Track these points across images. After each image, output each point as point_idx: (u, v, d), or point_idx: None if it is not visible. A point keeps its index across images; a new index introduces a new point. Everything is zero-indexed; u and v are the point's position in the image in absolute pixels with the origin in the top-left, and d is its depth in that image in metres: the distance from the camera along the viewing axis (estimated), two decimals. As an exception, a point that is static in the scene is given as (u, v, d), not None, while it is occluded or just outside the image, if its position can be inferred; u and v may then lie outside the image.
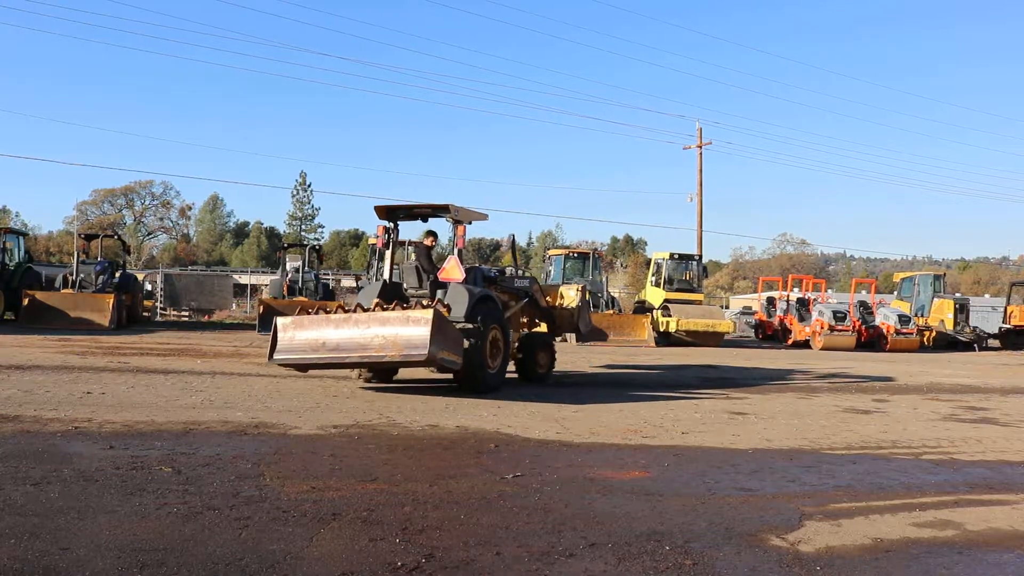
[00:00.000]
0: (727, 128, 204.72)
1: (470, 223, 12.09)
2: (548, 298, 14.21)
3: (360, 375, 11.95)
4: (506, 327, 11.96)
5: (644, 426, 8.81)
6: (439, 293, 11.48)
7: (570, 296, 14.36)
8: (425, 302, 10.93)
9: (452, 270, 11.57)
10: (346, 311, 10.62)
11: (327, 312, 10.79)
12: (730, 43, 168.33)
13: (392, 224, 12.26)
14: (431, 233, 12.54)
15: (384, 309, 10.28)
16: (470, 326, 10.74)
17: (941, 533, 5.01)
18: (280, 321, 10.75)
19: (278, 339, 10.60)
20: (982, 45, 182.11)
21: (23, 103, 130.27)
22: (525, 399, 10.74)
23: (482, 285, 12.17)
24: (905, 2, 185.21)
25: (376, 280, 12.83)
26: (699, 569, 4.14)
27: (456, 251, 11.77)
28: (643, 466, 6.68)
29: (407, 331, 9.80)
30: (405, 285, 12.21)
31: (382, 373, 11.92)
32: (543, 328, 14.37)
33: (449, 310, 10.53)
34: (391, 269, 12.39)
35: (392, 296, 11.57)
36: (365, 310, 10.45)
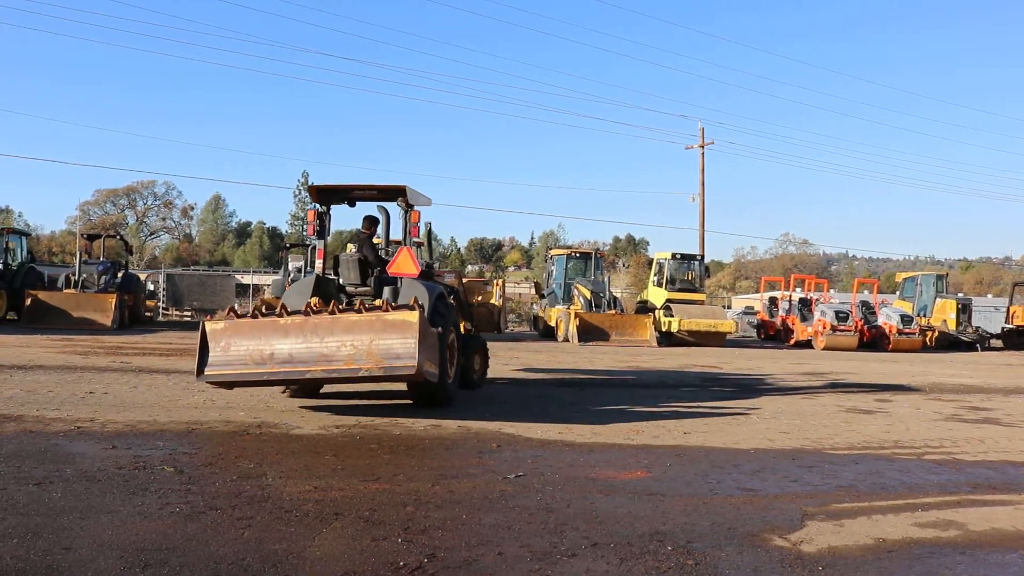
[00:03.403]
0: (729, 128, 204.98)
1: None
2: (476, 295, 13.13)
3: (284, 389, 9.98)
4: (458, 329, 10.66)
5: (646, 426, 8.80)
6: (386, 291, 9.93)
7: (488, 292, 13.67)
8: (378, 301, 9.04)
9: (405, 263, 9.79)
10: (286, 313, 8.53)
11: (272, 314, 8.62)
12: (733, 43, 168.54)
13: (325, 209, 10.46)
14: (374, 220, 10.76)
15: (342, 310, 8.49)
16: (433, 330, 8.89)
17: (944, 533, 5.00)
18: (210, 326, 8.44)
19: (209, 349, 8.36)
20: (986, 45, 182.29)
21: (26, 103, 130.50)
22: (526, 399, 10.73)
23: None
24: (908, 2, 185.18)
25: (305, 275, 11.33)
26: (701, 569, 4.13)
27: (411, 242, 10.08)
28: (645, 466, 6.68)
29: (386, 338, 8.16)
30: (342, 280, 10.43)
31: (307, 386, 9.82)
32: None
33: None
34: (324, 262, 10.46)
35: (325, 294, 9.87)
36: (280, 314, 8.49)
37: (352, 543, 4.34)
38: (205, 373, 8.28)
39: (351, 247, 10.78)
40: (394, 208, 10.59)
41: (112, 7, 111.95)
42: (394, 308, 8.39)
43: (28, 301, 22.62)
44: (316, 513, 4.90)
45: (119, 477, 5.60)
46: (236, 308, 8.83)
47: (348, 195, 10.36)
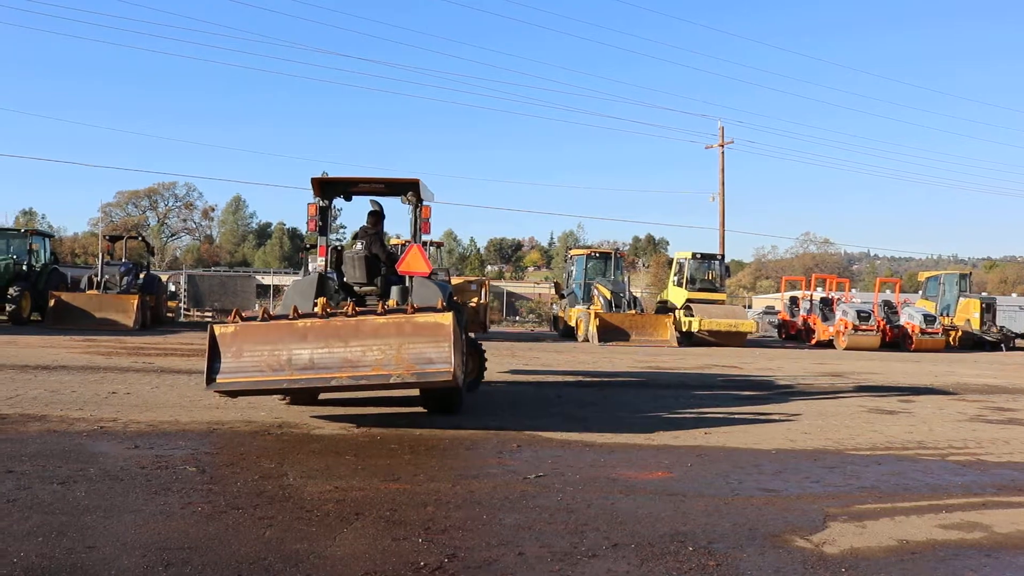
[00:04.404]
0: (749, 127, 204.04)
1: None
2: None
3: (283, 396, 9.19)
4: (466, 331, 10.00)
5: (666, 426, 8.77)
6: (394, 290, 9.44)
7: (472, 291, 13.29)
8: (391, 302, 8.66)
9: (416, 261, 9.24)
10: (297, 316, 7.89)
11: (283, 316, 8.00)
12: (752, 42, 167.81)
13: (327, 203, 9.77)
14: (380, 214, 10.22)
15: (362, 312, 7.94)
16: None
17: (968, 535, 4.96)
18: (219, 330, 7.80)
19: (219, 355, 7.74)
20: (1010, 42, 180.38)
21: (49, 106, 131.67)
22: (546, 400, 10.72)
23: None
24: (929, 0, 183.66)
25: (307, 273, 10.40)
26: (723, 570, 4.11)
27: (420, 239, 9.67)
28: (666, 466, 6.66)
29: (416, 342, 7.66)
30: (346, 279, 9.84)
31: (304, 394, 9.07)
32: None
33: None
34: (327, 259, 9.73)
35: (328, 295, 9.24)
36: (294, 316, 7.87)
37: (373, 543, 4.35)
38: (216, 381, 7.64)
39: (356, 243, 10.15)
40: (388, 203, 10.20)
41: (133, 10, 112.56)
42: (417, 310, 7.82)
43: (52, 302, 22.81)
44: (337, 513, 4.91)
45: (142, 476, 5.64)
46: (242, 311, 8.29)
47: (353, 188, 9.83)
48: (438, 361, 7.56)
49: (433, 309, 7.84)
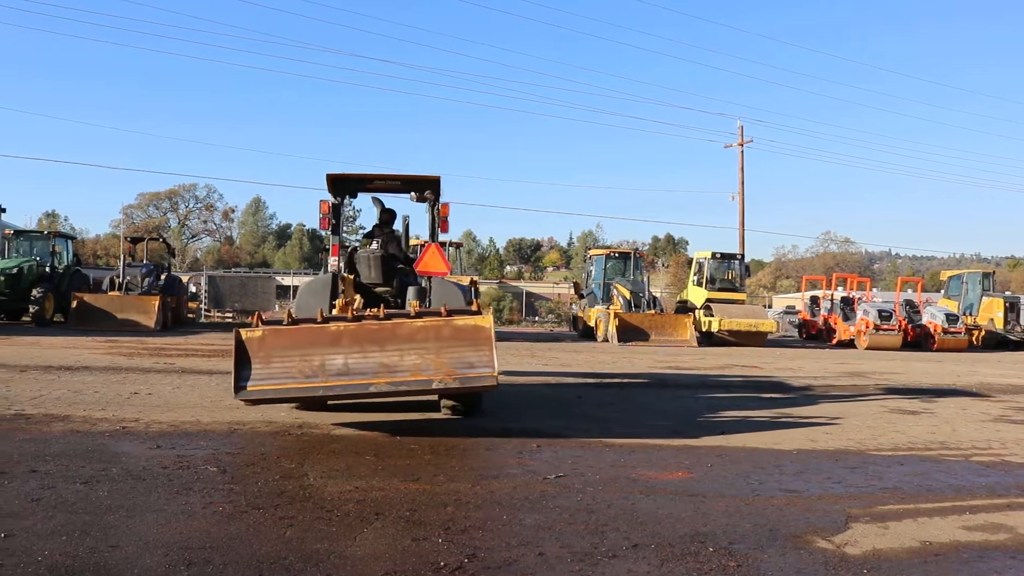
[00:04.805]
0: (769, 126, 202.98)
1: None
2: None
3: (296, 404, 8.85)
4: None
5: (687, 426, 8.74)
6: (411, 291, 9.18)
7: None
8: (413, 303, 8.16)
9: (435, 261, 9.02)
10: (326, 319, 7.55)
11: (309, 320, 7.59)
12: (772, 40, 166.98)
13: (339, 200, 9.45)
14: (393, 212, 9.94)
15: (394, 314, 7.66)
16: None
17: (993, 537, 4.91)
18: (246, 335, 7.33)
19: (248, 361, 7.29)
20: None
21: (70, 109, 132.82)
22: (566, 400, 10.71)
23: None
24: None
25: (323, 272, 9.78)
26: (744, 571, 4.10)
27: (439, 238, 9.42)
28: (686, 467, 6.63)
29: (456, 346, 7.40)
30: (361, 278, 9.48)
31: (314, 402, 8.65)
32: None
33: None
34: (340, 259, 9.34)
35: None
36: (322, 320, 7.50)
37: (393, 543, 4.36)
38: (247, 389, 7.21)
39: (370, 243, 9.82)
40: (389, 200, 9.91)
41: (153, 13, 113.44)
42: (451, 312, 7.58)
43: (74, 303, 23.03)
44: (357, 513, 4.92)
45: (163, 476, 5.68)
46: (263, 314, 8.02)
47: (368, 186, 9.59)
48: (479, 365, 7.36)
49: (469, 312, 7.65)
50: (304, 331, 7.43)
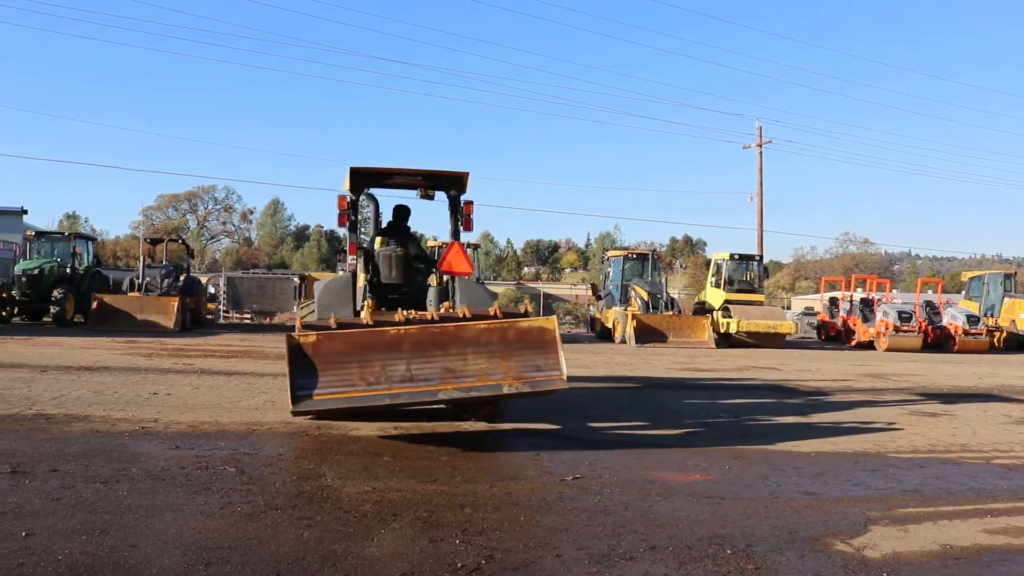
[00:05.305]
0: (787, 126, 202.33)
1: None
2: None
3: (313, 415, 8.07)
4: None
5: (704, 428, 8.71)
6: (432, 292, 8.98)
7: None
8: (444, 306, 8.11)
9: (459, 261, 8.65)
10: (378, 323, 7.20)
11: (357, 325, 7.21)
12: (789, 40, 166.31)
13: (358, 197, 9.02)
14: (406, 209, 9.54)
15: (446, 317, 7.35)
16: None
17: (1015, 540, 4.87)
18: (302, 341, 6.83)
19: (307, 369, 6.78)
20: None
21: (92, 111, 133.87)
22: (583, 401, 10.69)
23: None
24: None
25: (343, 272, 9.50)
26: (762, 573, 4.08)
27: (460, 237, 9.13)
28: (704, 469, 6.61)
29: (521, 349, 7.16)
30: (381, 279, 9.11)
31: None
32: None
33: None
34: (358, 259, 8.98)
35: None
36: (318, 324, 7.20)
37: (410, 544, 4.36)
38: (313, 399, 6.72)
39: (387, 242, 9.34)
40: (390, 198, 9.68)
41: (170, 15, 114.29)
42: (507, 315, 7.38)
43: (94, 304, 23.18)
44: (375, 514, 4.93)
45: (182, 476, 5.71)
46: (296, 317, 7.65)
47: (388, 181, 9.08)
48: (546, 368, 7.14)
49: (516, 314, 7.45)
50: (363, 335, 7.02)
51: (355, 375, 6.85)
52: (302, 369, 6.74)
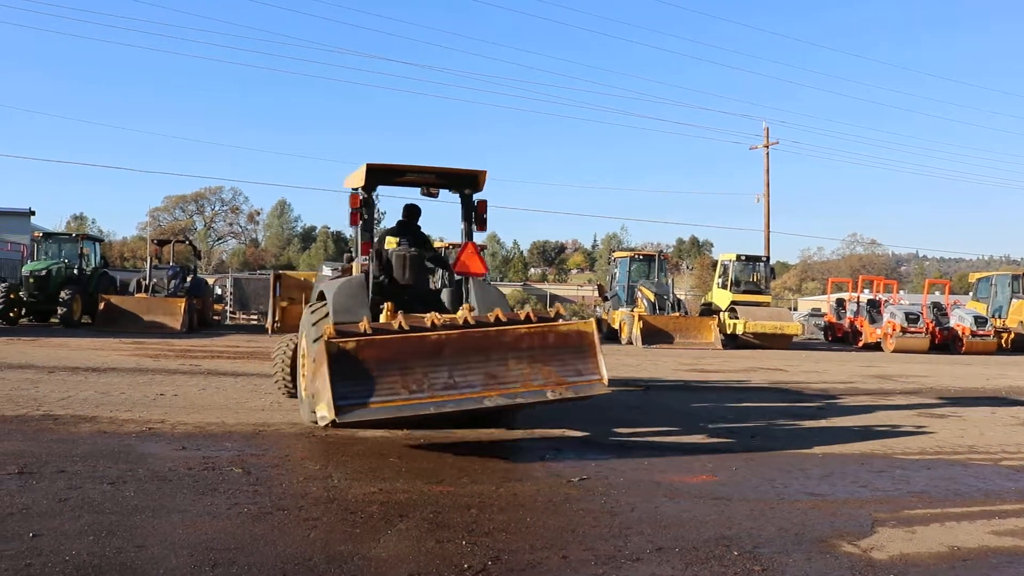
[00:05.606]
0: (794, 127, 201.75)
1: None
2: None
3: (328, 424, 6.93)
4: None
5: (711, 429, 8.70)
6: (445, 292, 8.80)
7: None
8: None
9: (473, 261, 8.40)
10: (415, 328, 6.84)
11: (391, 330, 6.83)
12: (796, 41, 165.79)
13: (370, 194, 8.68)
14: (416, 208, 9.18)
15: (482, 321, 7.11)
16: None
17: (1023, 542, 4.85)
18: (341, 348, 6.39)
19: (346, 377, 6.31)
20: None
21: (99, 112, 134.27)
22: (590, 403, 10.67)
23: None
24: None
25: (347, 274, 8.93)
26: (768, 575, 4.07)
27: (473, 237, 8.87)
28: (710, 470, 6.60)
29: (562, 353, 6.99)
30: (395, 279, 8.62)
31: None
32: None
33: None
34: (371, 259, 8.47)
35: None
36: (349, 329, 6.73)
37: (417, 544, 4.37)
38: (356, 408, 6.27)
39: (397, 241, 8.87)
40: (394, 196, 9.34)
41: (171, 15, 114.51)
42: (541, 319, 7.16)
43: (102, 305, 23.25)
44: (381, 514, 4.94)
45: (189, 477, 5.72)
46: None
47: (400, 179, 8.77)
48: (586, 372, 7.01)
49: (548, 317, 7.26)
50: (404, 341, 6.70)
51: (397, 383, 6.50)
52: (342, 377, 6.27)
